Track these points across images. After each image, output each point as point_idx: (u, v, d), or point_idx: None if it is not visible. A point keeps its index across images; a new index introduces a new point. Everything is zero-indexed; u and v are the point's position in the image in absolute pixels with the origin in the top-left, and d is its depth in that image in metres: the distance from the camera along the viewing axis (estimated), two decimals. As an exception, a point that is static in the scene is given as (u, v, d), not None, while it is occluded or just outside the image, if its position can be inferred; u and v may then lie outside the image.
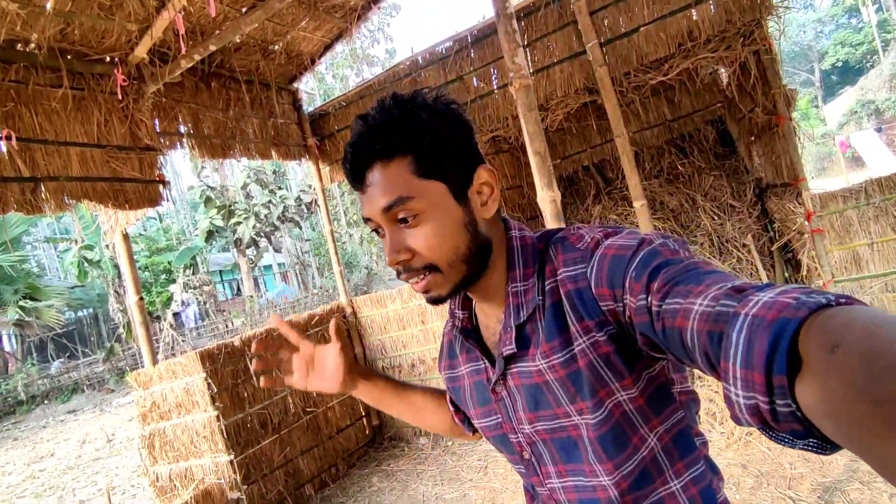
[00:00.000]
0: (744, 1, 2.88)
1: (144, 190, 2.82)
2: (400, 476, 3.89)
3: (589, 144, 4.22)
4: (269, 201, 14.53)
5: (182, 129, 3.62)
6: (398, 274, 0.69)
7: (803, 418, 0.35)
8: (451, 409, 0.94)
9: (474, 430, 0.93)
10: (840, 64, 34.35)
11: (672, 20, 3.14)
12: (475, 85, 3.81)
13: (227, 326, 14.30)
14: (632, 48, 3.26)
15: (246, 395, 3.59)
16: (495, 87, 3.73)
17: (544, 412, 0.70)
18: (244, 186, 15.14)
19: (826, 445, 0.37)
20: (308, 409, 4.03)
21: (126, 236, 3.14)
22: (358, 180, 0.67)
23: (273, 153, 4.28)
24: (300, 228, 15.59)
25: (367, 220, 0.69)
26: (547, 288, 0.68)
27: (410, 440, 4.49)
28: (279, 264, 23.08)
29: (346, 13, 3.90)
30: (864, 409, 0.29)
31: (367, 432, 4.58)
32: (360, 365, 0.95)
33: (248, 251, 15.57)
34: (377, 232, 0.70)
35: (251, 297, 14.72)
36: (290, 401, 3.91)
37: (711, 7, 3.00)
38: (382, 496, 3.64)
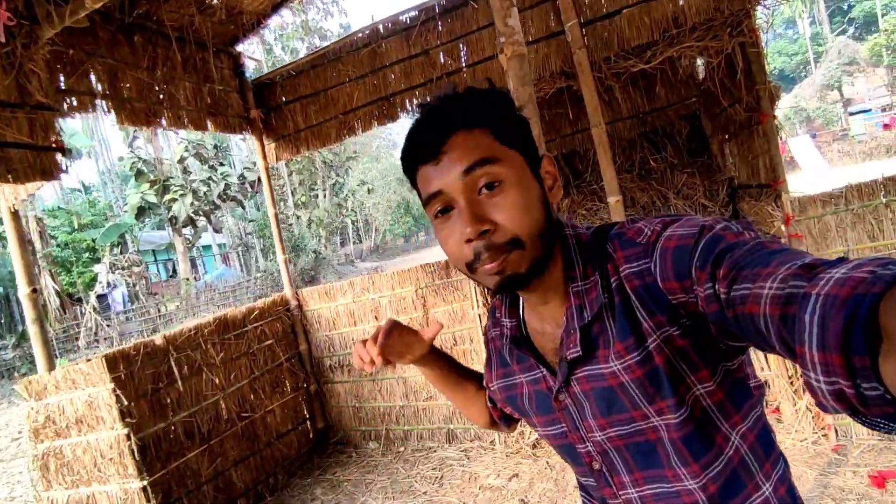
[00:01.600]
0: (733, -12, 2.69)
1: (36, 159, 2.27)
2: (346, 487, 3.56)
3: (559, 134, 3.98)
4: (210, 178, 13.48)
5: (97, 88, 3.04)
6: (473, 261, 0.63)
7: (894, 399, 0.32)
8: (490, 405, 0.95)
9: (510, 425, 0.97)
10: (777, 72, 36.33)
11: (657, 4, 2.91)
12: (441, 61, 3.45)
13: (159, 311, 13.25)
14: (613, 31, 3.01)
15: (169, 401, 3.12)
16: (464, 64, 3.39)
17: (619, 416, 0.67)
18: (181, 160, 13.95)
19: None
20: (243, 415, 3.61)
21: (15, 214, 2.57)
22: (432, 151, 0.63)
23: (209, 124, 3.75)
24: (243, 208, 14.61)
25: (432, 198, 0.64)
26: (612, 286, 0.65)
27: (359, 445, 4.16)
28: (220, 245, 21.78)
29: (297, -32, 3.41)
30: None
31: (310, 437, 4.20)
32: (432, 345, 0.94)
33: (185, 230, 14.46)
34: (442, 213, 0.65)
35: (187, 279, 13.71)
36: (223, 406, 3.47)
37: (699, -7, 2.79)
38: (326, 511, 3.30)
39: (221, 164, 14.86)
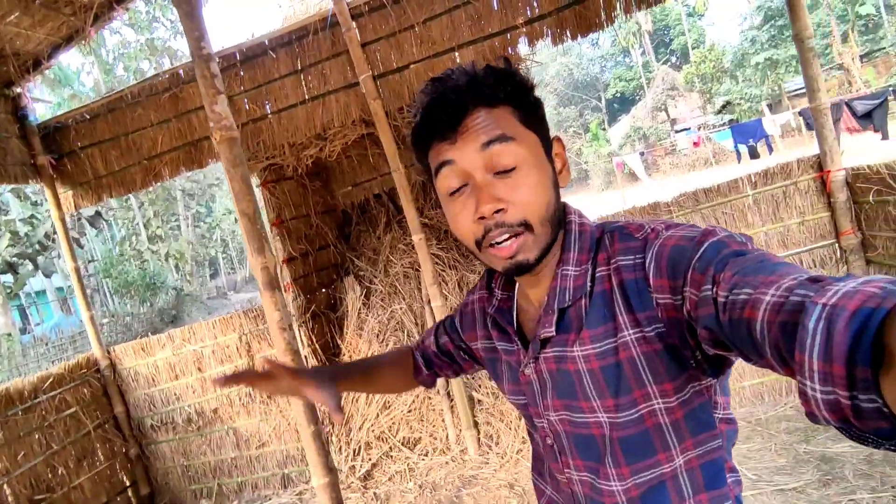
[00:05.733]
0: (497, 51, 3.09)
1: None
2: (169, 555, 3.34)
3: (379, 173, 4.18)
4: (32, 216, 11.73)
5: None
6: (483, 236, 0.63)
7: (890, 415, 0.33)
8: (425, 371, 0.97)
9: (433, 385, 1.00)
10: (619, 94, 41.31)
11: (439, 61, 3.24)
12: (246, 108, 3.47)
13: (-29, 375, 11.13)
14: (403, 83, 3.28)
15: (-73, 499, 2.70)
16: (269, 111, 3.44)
17: (570, 402, 0.68)
18: (-6, 197, 11.92)
19: None
20: (37, 498, 3.22)
21: None
22: (451, 126, 0.62)
23: (-22, 175, 3.34)
24: (80, 247, 12.88)
25: (444, 165, 0.64)
26: (598, 275, 0.66)
27: (190, 505, 3.92)
28: (57, 289, 18.98)
29: (76, 10, 3.22)
30: None
31: (133, 505, 3.86)
32: (321, 371, 0.87)
33: (5, 277, 12.38)
34: (454, 193, 0.65)
35: (8, 335, 11.71)
36: (7, 491, 3.07)
37: (472, 53, 3.16)
38: (142, 587, 3.06)
39: (46, 200, 12.95)
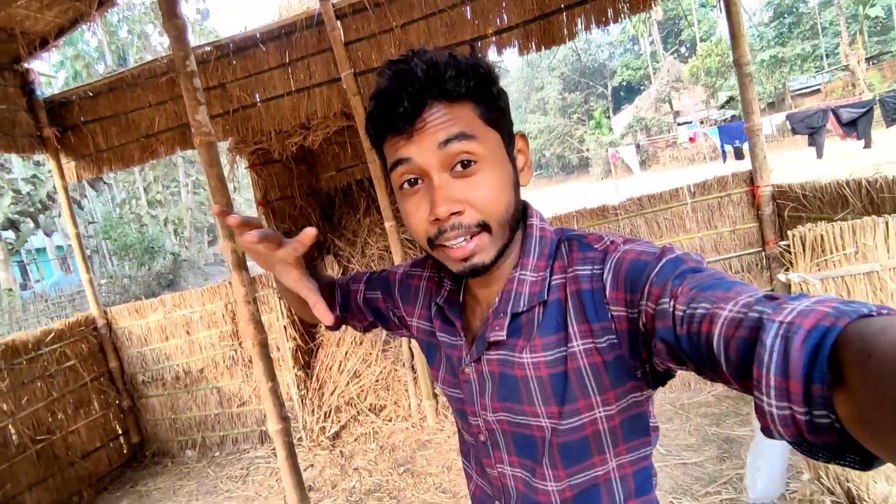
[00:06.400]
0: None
1: None
2: (155, 495, 3.75)
3: (361, 160, 4.47)
4: (34, 175, 12.00)
5: None
6: (436, 235, 0.62)
7: (841, 430, 0.35)
8: (338, 311, 0.91)
9: (336, 329, 0.93)
10: (625, 83, 41.03)
11: (416, 62, 3.50)
12: (237, 94, 3.74)
13: (-29, 327, 11.57)
14: (383, 82, 3.54)
15: (-58, 432, 3.08)
16: (258, 100, 3.72)
17: (513, 405, 0.67)
18: (-3, 156, 12.17)
19: (867, 460, 0.36)
20: (39, 438, 3.61)
21: None
22: (407, 120, 0.58)
23: (-10, 145, 3.64)
24: (80, 208, 13.17)
25: (400, 163, 0.61)
26: (553, 283, 0.65)
27: (176, 454, 4.33)
28: (57, 247, 19.35)
29: (82, -4, 3.47)
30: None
31: (124, 451, 4.28)
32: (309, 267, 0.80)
33: (7, 233, 12.72)
34: (409, 184, 0.62)
35: (10, 290, 12.11)
36: (12, 431, 3.46)
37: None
38: (129, 520, 3.48)
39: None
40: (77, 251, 4.17)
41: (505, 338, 0.66)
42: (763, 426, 0.40)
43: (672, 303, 0.50)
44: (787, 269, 1.61)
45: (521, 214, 0.67)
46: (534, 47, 3.31)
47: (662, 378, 0.62)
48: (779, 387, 0.37)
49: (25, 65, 3.92)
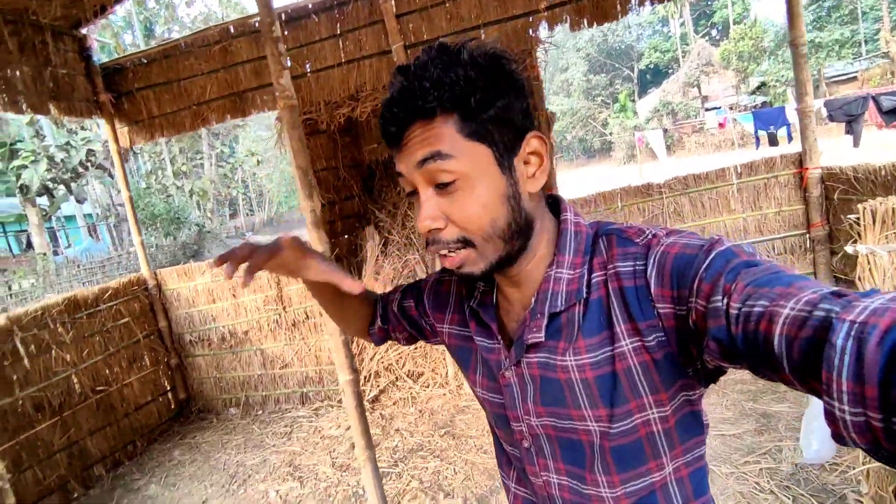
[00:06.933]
0: (519, 32, 3.39)
1: None
2: (204, 447, 3.96)
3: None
4: (68, 143, 12.27)
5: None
6: (427, 244, 0.63)
7: None
8: (379, 323, 0.93)
9: (381, 343, 0.97)
10: (653, 66, 40.04)
11: (466, 36, 3.53)
12: (288, 65, 3.81)
13: (9, 288, 12.04)
14: (433, 55, 3.59)
15: (15, 377, 3.29)
16: (308, 70, 3.79)
17: (558, 409, 0.65)
18: (32, 122, 12.45)
19: None
20: (98, 389, 3.83)
21: None
22: (395, 139, 0.60)
23: (52, 108, 3.78)
24: (111, 177, 13.46)
25: (399, 177, 0.63)
26: (593, 281, 0.62)
27: (220, 411, 4.55)
28: (86, 215, 19.84)
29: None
30: None
31: (172, 407, 4.51)
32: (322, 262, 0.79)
33: (41, 199, 13.09)
34: (411, 196, 0.64)
35: (44, 254, 12.51)
36: (75, 380, 3.68)
37: (496, 33, 3.46)
38: (182, 468, 3.69)
39: (83, 129, 13.48)
40: (130, 213, 4.33)
41: (544, 339, 0.64)
42: (834, 432, 0.38)
43: (725, 300, 0.47)
44: (854, 242, 1.66)
45: (525, 227, 0.63)
46: (585, 23, 3.32)
47: (714, 375, 0.60)
48: (852, 392, 0.35)
49: (83, 31, 4.03)
